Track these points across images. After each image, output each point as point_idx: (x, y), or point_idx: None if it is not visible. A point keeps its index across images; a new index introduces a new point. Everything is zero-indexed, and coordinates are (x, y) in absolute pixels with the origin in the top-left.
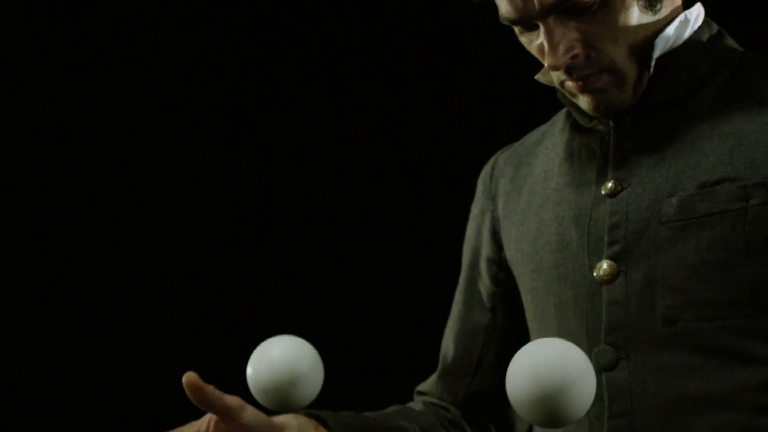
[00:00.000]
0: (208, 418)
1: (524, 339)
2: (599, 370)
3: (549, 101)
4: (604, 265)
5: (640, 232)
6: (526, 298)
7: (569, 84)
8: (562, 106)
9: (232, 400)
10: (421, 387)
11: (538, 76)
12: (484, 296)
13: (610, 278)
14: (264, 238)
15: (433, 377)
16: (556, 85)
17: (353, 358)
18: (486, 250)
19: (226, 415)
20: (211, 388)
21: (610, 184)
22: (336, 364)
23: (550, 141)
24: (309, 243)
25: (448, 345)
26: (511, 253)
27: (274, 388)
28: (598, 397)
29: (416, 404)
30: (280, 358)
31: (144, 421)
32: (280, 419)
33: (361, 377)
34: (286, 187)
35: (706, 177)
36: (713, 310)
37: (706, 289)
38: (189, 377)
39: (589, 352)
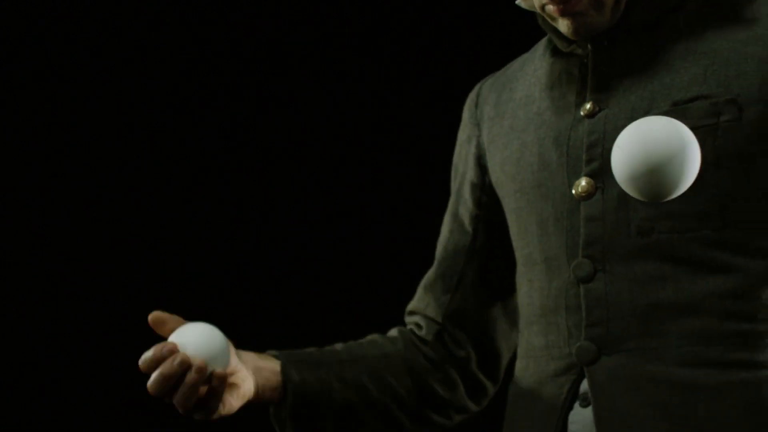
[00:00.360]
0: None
1: (504, 261)
2: (577, 283)
3: (530, 32)
4: (583, 182)
5: None
6: (510, 218)
7: (550, 8)
8: (543, 35)
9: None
10: (410, 306)
11: (519, 1)
12: (467, 219)
13: (588, 195)
14: (263, 237)
15: (419, 293)
16: (537, 9)
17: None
18: (470, 175)
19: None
20: (171, 317)
21: (588, 106)
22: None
23: (531, 67)
24: (308, 242)
25: (434, 264)
26: (495, 176)
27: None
28: (576, 307)
29: (392, 332)
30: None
31: (143, 421)
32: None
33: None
34: (286, 186)
35: (681, 95)
36: (684, 222)
37: (677, 202)
38: (154, 315)
39: (568, 265)
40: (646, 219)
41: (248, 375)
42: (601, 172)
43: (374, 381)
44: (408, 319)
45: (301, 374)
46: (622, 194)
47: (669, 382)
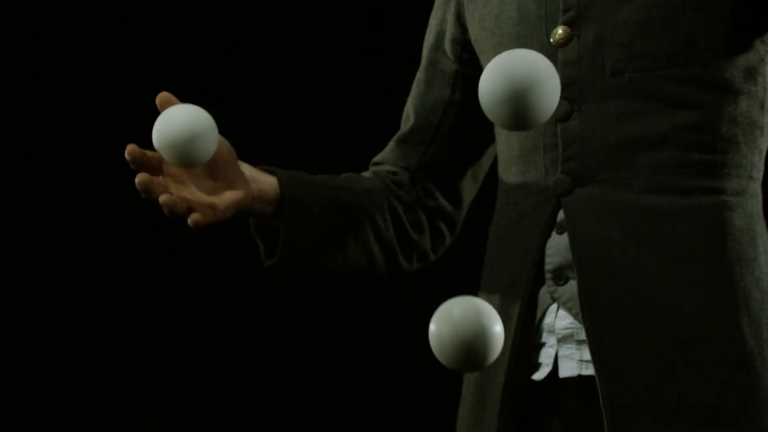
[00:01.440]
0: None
1: (476, 118)
2: (555, 123)
3: None
4: (560, 30)
5: None
6: None
7: None
8: None
9: None
10: (376, 158)
11: None
12: (447, 74)
13: (565, 41)
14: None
15: (390, 146)
16: None
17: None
18: (450, 32)
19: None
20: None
21: None
22: (336, 361)
23: None
24: None
25: (408, 117)
26: (475, 32)
27: (175, 144)
28: (553, 145)
29: (366, 173)
30: (179, 117)
31: (142, 421)
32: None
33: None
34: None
35: None
36: (654, 61)
37: (648, 43)
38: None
39: None
40: (619, 60)
41: (245, 179)
42: (577, 20)
43: (360, 211)
44: (375, 168)
45: (299, 191)
46: (597, 38)
47: (637, 208)
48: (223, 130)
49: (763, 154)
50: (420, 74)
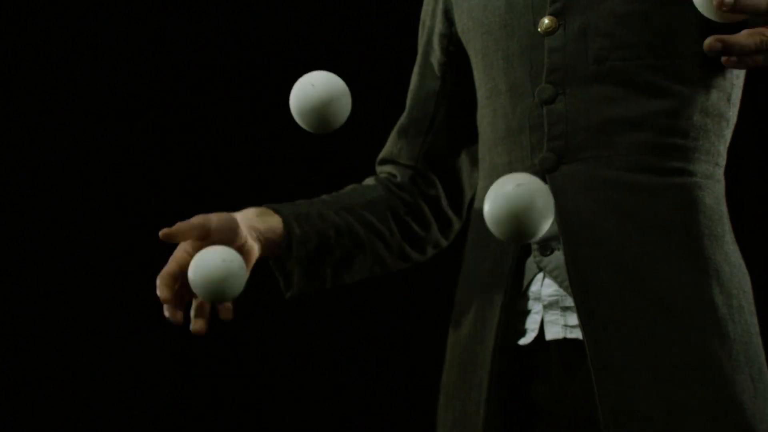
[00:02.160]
0: (183, 247)
1: (468, 105)
2: (541, 105)
3: None
4: (546, 20)
5: None
6: (476, 58)
7: None
8: None
9: (196, 219)
10: (381, 155)
11: None
12: (436, 66)
13: (552, 30)
14: None
15: (392, 138)
16: None
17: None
18: (439, 27)
19: (198, 234)
20: (177, 225)
21: None
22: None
23: None
24: None
25: (407, 108)
26: (463, 23)
27: (312, 108)
28: (539, 126)
29: (369, 180)
30: (317, 84)
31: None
32: (242, 211)
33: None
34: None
35: None
36: (635, 51)
37: (629, 34)
38: (163, 232)
39: (532, 91)
40: (602, 49)
41: (254, 243)
42: (563, 11)
43: (363, 226)
44: (380, 168)
45: (302, 227)
46: (582, 28)
47: (617, 184)
48: (224, 130)
49: (727, 145)
50: (415, 67)
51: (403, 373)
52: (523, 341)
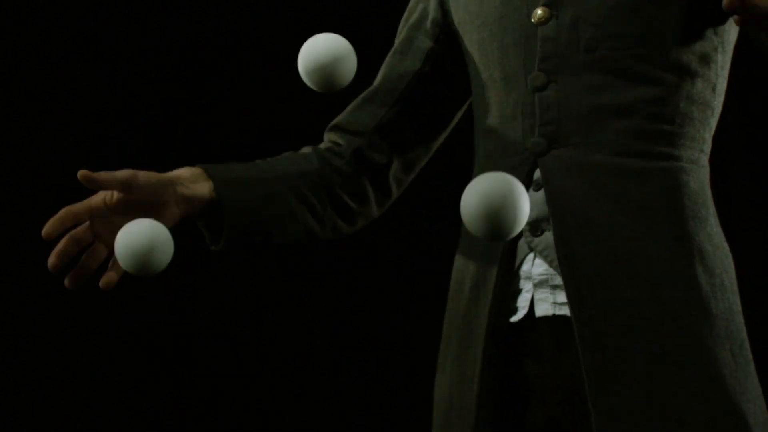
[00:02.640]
0: (102, 195)
1: (444, 97)
2: (533, 92)
3: None
4: (539, 11)
5: None
6: (473, 49)
7: None
8: None
9: (123, 172)
10: (334, 122)
11: None
12: (421, 50)
13: (545, 20)
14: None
15: (352, 105)
16: None
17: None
18: (432, 14)
19: (122, 188)
20: (100, 172)
21: None
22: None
23: None
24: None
25: (375, 81)
26: (459, 16)
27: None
28: (531, 112)
29: (306, 149)
30: (323, 44)
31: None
32: (174, 172)
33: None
34: None
35: None
36: (624, 41)
37: (618, 25)
38: (82, 173)
39: (525, 80)
40: (593, 38)
41: (176, 209)
42: (557, 2)
43: (295, 196)
44: (328, 135)
45: (235, 194)
46: (574, 18)
47: (606, 168)
48: (220, 125)
49: (712, 133)
50: (395, 47)
51: (403, 373)
52: (515, 318)
